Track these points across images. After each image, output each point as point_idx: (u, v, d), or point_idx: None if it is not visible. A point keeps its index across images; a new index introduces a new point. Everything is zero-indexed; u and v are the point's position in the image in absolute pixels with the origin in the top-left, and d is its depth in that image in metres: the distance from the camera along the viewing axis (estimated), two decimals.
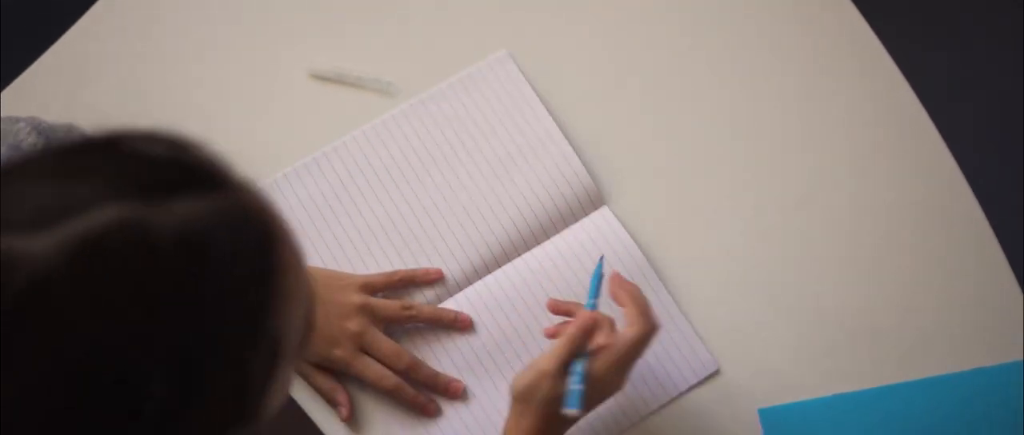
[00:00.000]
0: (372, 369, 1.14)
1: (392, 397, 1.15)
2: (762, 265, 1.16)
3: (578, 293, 1.16)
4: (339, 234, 1.20)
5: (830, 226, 1.16)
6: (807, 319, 1.13)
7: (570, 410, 1.00)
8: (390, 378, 1.14)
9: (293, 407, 1.13)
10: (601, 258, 1.12)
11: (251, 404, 0.62)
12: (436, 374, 1.15)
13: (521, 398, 1.03)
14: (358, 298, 1.14)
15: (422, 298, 1.18)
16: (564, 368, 1.01)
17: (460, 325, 1.16)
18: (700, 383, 1.13)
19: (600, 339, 1.02)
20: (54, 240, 0.55)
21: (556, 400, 1.01)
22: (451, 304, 1.18)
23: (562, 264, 1.18)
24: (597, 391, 1.02)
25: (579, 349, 1.02)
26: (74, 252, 0.55)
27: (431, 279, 1.18)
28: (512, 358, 1.16)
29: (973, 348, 1.08)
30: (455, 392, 1.14)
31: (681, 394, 1.12)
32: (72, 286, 0.55)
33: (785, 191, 1.18)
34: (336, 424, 1.14)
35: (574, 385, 1.00)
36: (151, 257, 0.56)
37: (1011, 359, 1.07)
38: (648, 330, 1.02)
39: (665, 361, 1.13)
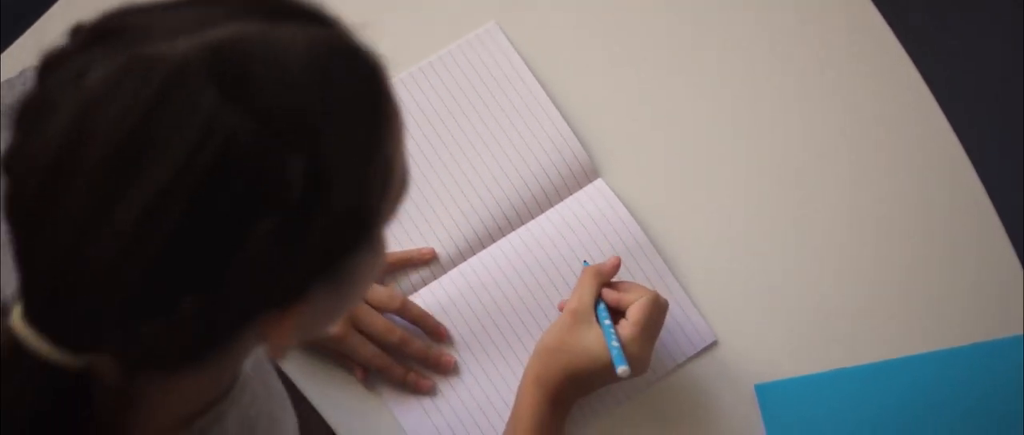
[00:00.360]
0: (365, 347, 1.12)
1: (384, 376, 1.13)
2: (760, 238, 1.16)
3: (574, 267, 1.15)
4: None
5: (830, 199, 1.16)
6: (805, 293, 1.13)
7: (621, 368, 1.00)
8: (382, 357, 1.12)
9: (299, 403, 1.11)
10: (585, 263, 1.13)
11: (364, 227, 0.66)
12: (427, 347, 1.13)
13: (547, 350, 1.04)
14: None
15: (416, 277, 1.17)
16: (590, 308, 1.05)
17: (438, 336, 1.15)
18: (697, 355, 1.12)
19: (616, 296, 1.06)
20: (193, 42, 0.60)
21: (585, 351, 1.03)
22: (445, 281, 1.17)
23: (557, 238, 1.16)
24: (628, 361, 1.02)
25: (598, 284, 1.06)
26: (213, 49, 0.60)
27: (425, 259, 1.17)
28: (508, 334, 1.14)
29: (974, 323, 1.08)
30: (446, 366, 1.13)
31: (678, 367, 1.12)
32: (210, 77, 0.59)
33: (784, 163, 1.18)
34: (335, 406, 1.13)
35: (613, 343, 1.01)
36: (281, 65, 0.61)
37: (1011, 334, 1.07)
38: (653, 294, 1.05)
39: (662, 332, 1.11)
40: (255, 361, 0.82)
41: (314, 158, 0.61)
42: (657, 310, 1.05)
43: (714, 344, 1.12)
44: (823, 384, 1.03)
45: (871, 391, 1.02)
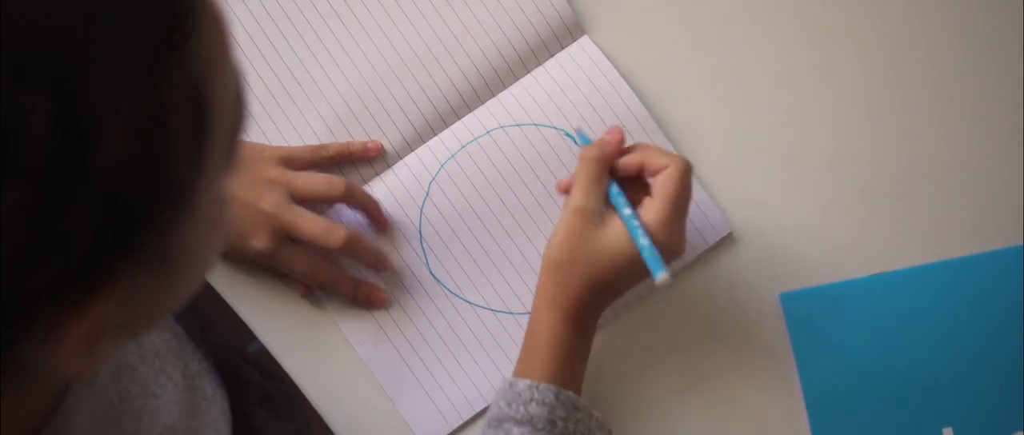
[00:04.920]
0: (301, 261, 0.93)
1: (331, 292, 0.96)
2: (783, 125, 1.00)
3: (558, 147, 0.97)
4: (250, 91, 0.98)
5: (852, 90, 1.00)
6: (826, 191, 0.99)
7: (661, 275, 0.83)
8: (324, 270, 0.94)
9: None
10: (578, 132, 0.94)
11: (170, 185, 0.48)
12: (375, 248, 0.96)
13: (555, 265, 0.87)
14: (274, 172, 0.93)
15: (357, 176, 0.98)
16: (600, 201, 0.87)
17: (381, 228, 0.97)
18: (714, 260, 0.98)
19: (639, 158, 0.88)
20: None
21: (605, 254, 0.86)
22: (399, 171, 0.98)
23: (534, 110, 0.97)
24: (661, 250, 0.85)
25: (604, 169, 0.88)
26: None
27: (370, 154, 0.97)
28: (482, 235, 0.97)
29: (1010, 227, 0.98)
30: (385, 265, 0.96)
31: (693, 271, 0.97)
32: None
33: (809, 48, 1.00)
34: (274, 331, 0.96)
35: (641, 239, 0.84)
36: None
37: None
38: (683, 163, 0.87)
39: None
40: None
41: (65, 95, 0.44)
42: (686, 182, 0.87)
43: (732, 244, 0.98)
44: (850, 292, 0.97)
45: (900, 298, 0.97)
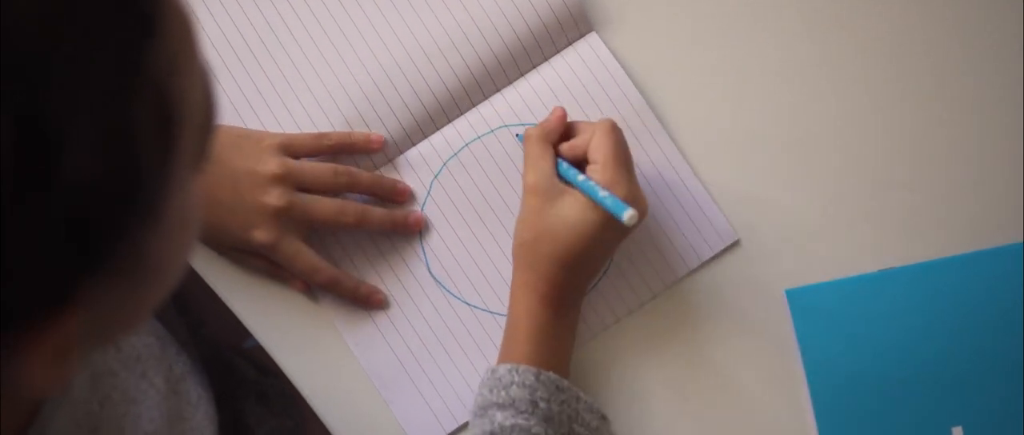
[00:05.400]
0: (303, 257, 0.92)
1: (331, 291, 0.94)
2: (788, 123, 0.98)
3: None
4: (250, 77, 0.95)
5: (857, 86, 0.99)
6: (832, 185, 0.98)
7: (627, 213, 0.82)
8: (325, 269, 0.92)
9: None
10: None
11: (136, 198, 0.47)
12: (390, 211, 0.94)
13: (523, 246, 0.88)
14: (277, 163, 0.91)
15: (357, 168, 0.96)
16: (551, 175, 0.88)
17: (399, 196, 0.95)
18: (718, 256, 0.96)
19: (568, 145, 0.90)
20: None
21: (567, 224, 0.86)
22: (403, 164, 0.96)
23: (540, 109, 0.96)
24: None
25: (549, 144, 0.89)
26: None
27: (372, 147, 0.95)
28: (480, 231, 0.95)
29: (1015, 224, 0.97)
30: (417, 223, 0.95)
31: (698, 268, 0.96)
32: None
33: (813, 45, 0.99)
34: (270, 326, 0.95)
35: (599, 193, 0.84)
36: None
37: None
38: (607, 121, 0.89)
39: (677, 229, 0.95)
40: None
41: (26, 110, 0.42)
42: (618, 137, 0.88)
43: (737, 245, 0.96)
44: (856, 288, 0.96)
45: (910, 294, 0.95)
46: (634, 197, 0.86)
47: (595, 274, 0.91)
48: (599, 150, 0.87)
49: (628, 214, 0.82)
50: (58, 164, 0.43)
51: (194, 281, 0.94)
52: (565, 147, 0.89)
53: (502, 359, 0.88)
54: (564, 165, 0.88)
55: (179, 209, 0.50)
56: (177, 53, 0.47)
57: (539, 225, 0.87)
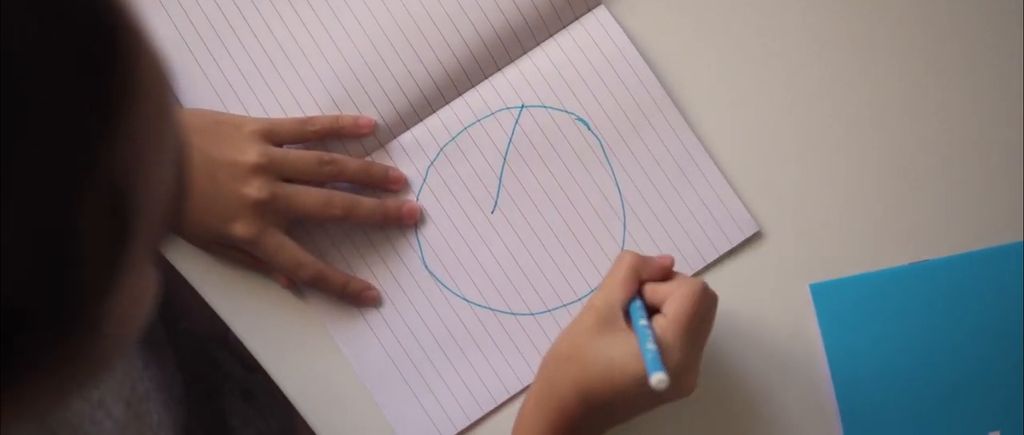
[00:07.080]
0: (286, 251, 0.87)
1: (318, 288, 0.89)
2: (815, 107, 0.96)
3: (571, 137, 0.91)
4: (231, 56, 0.90)
5: (883, 75, 0.96)
6: (858, 175, 0.96)
7: (656, 375, 0.75)
8: (311, 265, 0.88)
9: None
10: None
11: (81, 302, 0.41)
12: (380, 201, 0.89)
13: (556, 359, 0.82)
14: (258, 152, 0.86)
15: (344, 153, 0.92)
16: (619, 306, 0.82)
17: (392, 184, 0.90)
18: (738, 248, 0.93)
19: (651, 288, 0.84)
20: None
21: (604, 359, 0.80)
22: (396, 149, 0.91)
23: (544, 89, 0.91)
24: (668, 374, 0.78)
25: (635, 279, 0.83)
26: None
27: (361, 131, 0.90)
28: (484, 227, 0.90)
29: None
30: (412, 213, 0.90)
31: (716, 260, 0.93)
32: None
33: (840, 32, 0.96)
34: (252, 328, 0.91)
35: (648, 345, 0.78)
36: None
37: None
38: (700, 283, 0.82)
39: (693, 218, 0.91)
40: None
41: None
42: (706, 304, 0.81)
43: (758, 237, 0.94)
44: (885, 283, 0.95)
45: (943, 290, 0.95)
46: (683, 371, 0.79)
47: (612, 426, 0.84)
48: (674, 305, 0.81)
49: (657, 377, 0.75)
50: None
51: (173, 272, 0.89)
52: (648, 288, 0.83)
53: None
54: (637, 303, 0.83)
55: (132, 287, 0.44)
56: (144, 133, 0.41)
57: (580, 346, 0.81)
